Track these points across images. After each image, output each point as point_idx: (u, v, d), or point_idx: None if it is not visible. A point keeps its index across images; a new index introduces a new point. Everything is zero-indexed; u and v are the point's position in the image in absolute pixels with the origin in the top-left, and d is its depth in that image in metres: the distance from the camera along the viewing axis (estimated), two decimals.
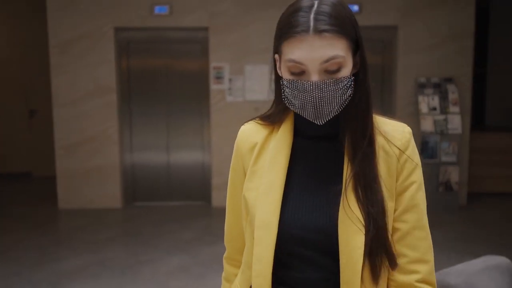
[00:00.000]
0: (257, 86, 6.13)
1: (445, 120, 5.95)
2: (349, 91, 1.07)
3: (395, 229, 1.10)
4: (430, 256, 1.12)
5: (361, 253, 1.05)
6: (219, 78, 6.14)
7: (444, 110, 5.99)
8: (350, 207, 1.07)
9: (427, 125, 5.97)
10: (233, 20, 6.06)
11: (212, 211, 6.13)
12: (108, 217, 5.83)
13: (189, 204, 6.35)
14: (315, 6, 1.03)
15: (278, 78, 1.15)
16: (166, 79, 6.29)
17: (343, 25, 1.03)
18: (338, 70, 1.04)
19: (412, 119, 5.97)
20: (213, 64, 6.12)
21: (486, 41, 7.78)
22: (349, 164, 1.10)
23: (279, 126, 1.19)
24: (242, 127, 1.25)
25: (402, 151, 1.11)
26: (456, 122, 5.93)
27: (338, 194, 1.09)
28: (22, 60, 7.87)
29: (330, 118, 1.09)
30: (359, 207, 1.06)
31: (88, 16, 5.96)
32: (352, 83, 1.07)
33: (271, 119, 1.20)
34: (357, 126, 1.10)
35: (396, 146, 1.11)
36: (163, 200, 6.38)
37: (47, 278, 4.01)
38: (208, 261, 4.39)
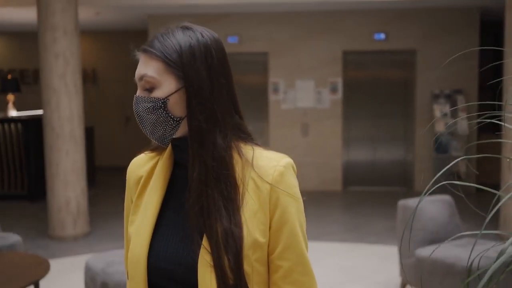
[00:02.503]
0: (305, 96, 7.93)
1: (455, 123, 7.50)
2: (160, 113, 1.07)
3: (277, 267, 1.09)
4: None
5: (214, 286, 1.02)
6: (275, 90, 7.99)
7: (454, 115, 7.55)
8: (210, 242, 1.03)
9: (440, 127, 7.54)
10: (287, 46, 7.91)
11: None
12: None
13: None
14: (163, 31, 1.10)
15: None
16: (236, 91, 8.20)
17: (163, 49, 1.07)
18: (151, 89, 1.07)
19: (428, 122, 7.57)
20: (271, 79, 7.98)
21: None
22: (189, 193, 1.07)
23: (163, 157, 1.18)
24: (133, 160, 1.24)
25: (274, 186, 1.07)
26: (463, 125, 7.47)
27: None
28: (122, 78, 10.04)
29: (170, 141, 1.11)
30: (217, 239, 1.03)
31: None
32: (164, 105, 1.07)
33: (156, 149, 1.20)
34: (202, 156, 1.07)
35: (266, 182, 1.07)
36: None
37: None
38: None
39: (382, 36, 7.75)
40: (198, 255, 1.04)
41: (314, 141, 8.03)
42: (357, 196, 7.64)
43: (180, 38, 1.08)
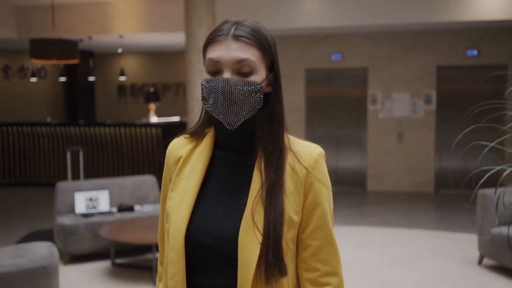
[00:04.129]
0: (401, 107, 8.85)
1: None
2: (257, 97, 1.15)
3: (306, 246, 1.18)
4: (340, 269, 1.21)
5: (254, 261, 1.10)
6: (374, 101, 8.98)
7: None
8: (252, 217, 1.12)
9: None
10: (384, 62, 8.89)
11: (367, 195, 8.90)
12: None
13: (348, 189, 9.18)
14: (240, 21, 1.18)
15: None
16: (337, 102, 9.30)
17: (259, 38, 1.17)
18: (249, 73, 1.15)
19: None
20: (370, 92, 8.99)
21: None
22: (258, 176, 1.16)
23: (202, 140, 1.26)
24: (171, 142, 1.32)
25: (309, 171, 1.17)
26: None
27: (245, 204, 1.15)
28: None
29: (240, 125, 1.17)
30: (261, 218, 1.12)
31: (289, 61, 9.24)
32: (261, 90, 1.16)
33: (196, 134, 1.28)
34: (269, 141, 1.17)
35: (303, 166, 1.18)
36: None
37: None
38: None
39: (475, 52, 8.48)
40: (239, 230, 1.12)
41: (408, 148, 8.89)
42: (448, 197, 8.39)
43: (265, 31, 1.20)
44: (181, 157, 1.26)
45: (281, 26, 8.18)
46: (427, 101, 8.77)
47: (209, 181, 1.22)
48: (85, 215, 5.22)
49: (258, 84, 1.15)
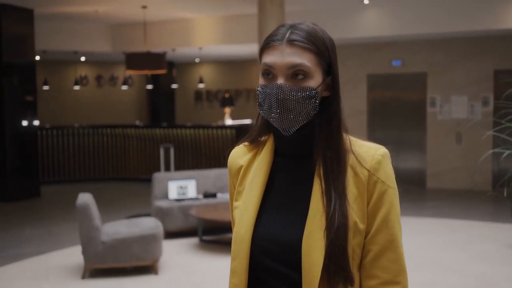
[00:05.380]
0: (459, 109, 9.37)
1: None
2: (312, 103, 1.12)
3: (368, 251, 1.12)
4: (402, 277, 1.13)
5: (319, 270, 1.07)
6: (433, 104, 9.56)
7: None
8: (315, 224, 1.09)
9: None
10: (443, 67, 9.45)
11: (426, 192, 9.47)
12: None
13: (408, 187, 9.78)
14: (295, 25, 1.16)
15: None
16: (397, 105, 9.94)
17: (315, 42, 1.13)
18: (304, 79, 1.12)
19: None
20: (429, 95, 9.57)
21: None
22: (318, 183, 1.13)
23: (263, 148, 1.24)
24: (232, 151, 1.31)
25: (371, 173, 1.13)
26: None
27: (307, 211, 1.12)
28: None
29: (296, 130, 1.14)
30: (323, 226, 1.09)
31: (352, 67, 9.99)
32: (317, 95, 1.13)
33: (254, 140, 1.26)
34: (328, 146, 1.14)
35: (365, 168, 1.13)
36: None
37: None
38: None
39: None
40: (302, 237, 1.10)
41: (467, 148, 9.38)
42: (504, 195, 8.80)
43: (323, 33, 1.17)
44: (241, 166, 1.27)
45: (346, 35, 8.97)
46: (485, 103, 9.24)
47: (271, 189, 1.21)
48: (177, 200, 6.28)
49: (314, 90, 1.13)
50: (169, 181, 6.39)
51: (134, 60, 8.62)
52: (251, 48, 9.96)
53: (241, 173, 1.26)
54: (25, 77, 8.93)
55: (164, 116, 13.41)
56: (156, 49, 10.06)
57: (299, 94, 1.12)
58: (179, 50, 10.82)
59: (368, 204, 1.13)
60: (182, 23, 10.06)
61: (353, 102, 10.00)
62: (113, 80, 13.43)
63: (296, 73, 1.12)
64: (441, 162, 9.53)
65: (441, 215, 7.28)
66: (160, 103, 13.43)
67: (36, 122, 9.13)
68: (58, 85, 12.87)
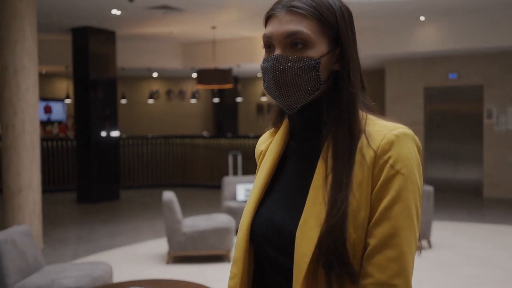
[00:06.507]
0: None
1: None
2: (313, 75, 1.00)
3: (366, 244, 0.96)
4: (400, 280, 0.93)
5: (306, 261, 0.95)
6: (489, 116, 9.81)
7: None
8: (313, 211, 0.98)
9: None
10: (499, 79, 9.71)
11: (484, 200, 9.71)
12: None
13: (465, 196, 10.02)
14: None
15: None
16: (454, 117, 10.25)
17: (317, 7, 1.01)
18: (303, 48, 1.00)
19: None
20: (485, 107, 9.83)
21: None
22: (322, 167, 1.01)
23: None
24: (260, 138, 1.26)
25: (379, 155, 0.96)
26: None
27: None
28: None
29: (303, 109, 1.05)
30: (322, 215, 0.96)
31: (409, 79, 10.40)
32: (318, 66, 1.00)
33: (276, 124, 1.19)
34: (340, 127, 1.01)
35: (372, 148, 0.97)
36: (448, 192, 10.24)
37: None
38: None
39: None
40: (298, 225, 0.99)
41: None
42: None
43: (332, 0, 1.03)
44: (262, 151, 1.22)
45: (403, 49, 9.45)
46: None
47: (281, 175, 1.12)
48: (244, 201, 6.97)
49: (314, 60, 1.00)
50: (237, 184, 7.10)
51: (204, 75, 9.46)
52: None
53: (260, 158, 1.23)
54: (107, 92, 9.98)
55: (228, 127, 14.26)
56: (223, 65, 10.90)
57: (296, 65, 1.00)
58: (244, 65, 11.61)
59: (372, 191, 0.97)
60: (247, 41, 10.85)
61: (410, 113, 10.40)
62: (181, 94, 14.45)
63: (295, 42, 1.01)
64: (497, 173, 9.74)
65: (493, 222, 7.57)
66: (225, 115, 14.30)
67: (116, 133, 10.15)
68: (133, 99, 14.04)
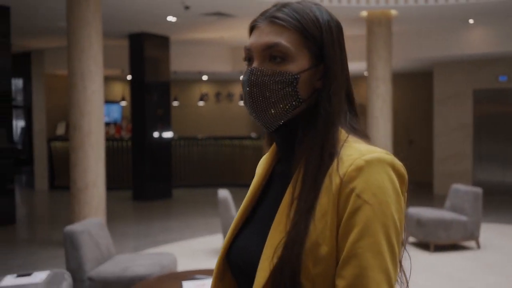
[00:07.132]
0: None
1: None
2: (289, 91, 0.93)
3: (336, 286, 0.85)
4: None
5: None
6: None
7: None
8: (272, 240, 0.90)
9: None
10: None
11: None
12: None
13: None
14: (288, 2, 0.98)
15: None
16: (504, 119, 10.16)
17: (300, 19, 0.94)
18: (281, 62, 0.94)
19: None
20: None
21: None
22: (290, 193, 0.92)
23: None
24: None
25: (345, 183, 0.86)
26: None
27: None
28: (410, 107, 12.83)
29: (282, 128, 0.98)
30: (281, 241, 0.89)
31: (457, 82, 10.38)
32: (295, 82, 0.93)
33: (269, 145, 1.12)
34: (313, 149, 0.92)
35: (339, 175, 0.87)
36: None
37: None
38: None
39: None
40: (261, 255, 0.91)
41: None
42: None
43: (316, 12, 0.97)
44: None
45: (451, 52, 9.48)
46: None
47: (265, 199, 1.05)
48: None
49: (291, 75, 0.93)
50: None
51: None
52: (359, 66, 10.72)
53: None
54: (161, 94, 10.45)
55: None
56: None
57: (271, 79, 0.94)
58: None
59: (339, 224, 0.86)
60: None
61: (459, 115, 10.38)
62: (229, 96, 14.84)
63: (274, 55, 0.95)
64: None
65: None
66: None
67: (169, 134, 10.60)
68: (185, 101, 14.54)
